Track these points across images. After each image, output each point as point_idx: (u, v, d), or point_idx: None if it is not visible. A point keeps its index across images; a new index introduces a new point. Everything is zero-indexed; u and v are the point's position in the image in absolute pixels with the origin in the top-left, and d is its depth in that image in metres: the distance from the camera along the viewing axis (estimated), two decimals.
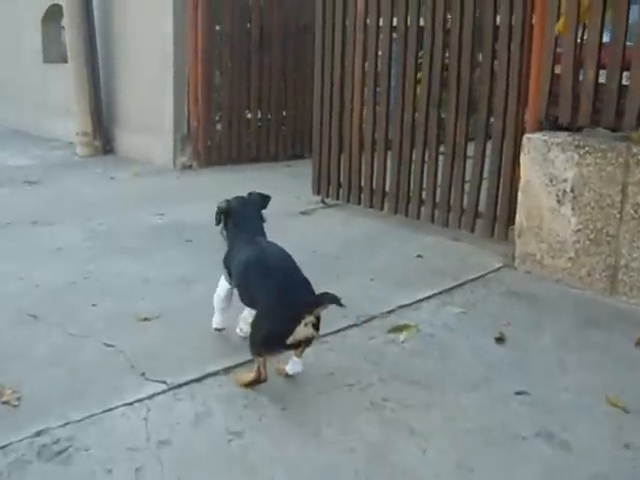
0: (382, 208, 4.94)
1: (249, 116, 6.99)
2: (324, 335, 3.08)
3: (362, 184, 5.05)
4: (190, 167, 6.74)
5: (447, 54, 4.46)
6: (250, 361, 2.62)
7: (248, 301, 2.67)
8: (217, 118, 6.78)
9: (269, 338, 2.44)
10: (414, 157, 4.70)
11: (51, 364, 2.78)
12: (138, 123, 7.08)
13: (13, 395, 2.49)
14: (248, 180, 6.12)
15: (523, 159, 3.89)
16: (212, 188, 5.67)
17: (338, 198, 5.25)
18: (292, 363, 2.63)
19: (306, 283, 2.52)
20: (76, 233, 4.55)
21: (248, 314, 2.75)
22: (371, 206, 5.01)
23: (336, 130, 5.15)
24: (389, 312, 3.41)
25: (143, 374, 2.70)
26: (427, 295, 3.63)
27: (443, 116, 4.51)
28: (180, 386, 2.62)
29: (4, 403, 2.46)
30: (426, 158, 4.64)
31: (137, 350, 2.89)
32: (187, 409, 2.49)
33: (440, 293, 3.68)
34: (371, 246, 4.41)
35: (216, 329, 3.02)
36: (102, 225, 4.73)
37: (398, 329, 3.22)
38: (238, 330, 2.89)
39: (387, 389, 2.69)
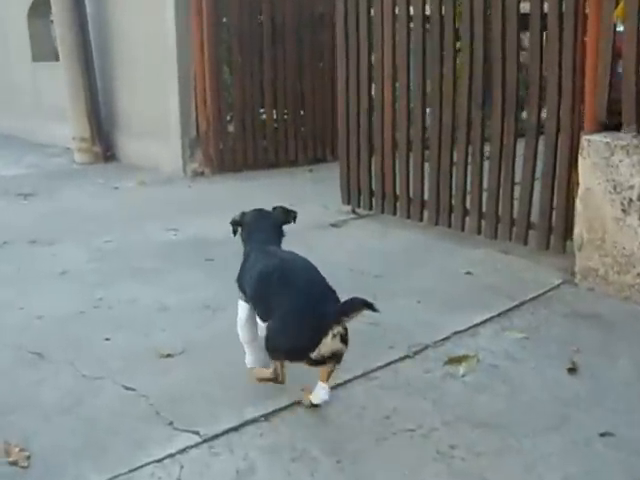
0: (421, 219, 4.74)
1: (264, 116, 6.80)
2: (373, 370, 2.90)
3: (397, 192, 4.84)
4: (202, 174, 6.56)
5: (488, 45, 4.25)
6: (295, 404, 2.42)
7: (266, 316, 2.52)
8: (228, 119, 6.59)
9: (290, 352, 2.34)
10: (455, 160, 4.49)
11: (62, 413, 2.58)
12: (141, 126, 6.91)
13: (21, 454, 2.28)
14: (267, 188, 5.95)
15: (582, 164, 3.67)
16: (228, 198, 5.49)
17: (371, 208, 5.05)
18: (318, 389, 2.47)
19: (331, 291, 2.42)
20: (80, 253, 4.37)
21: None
22: (408, 216, 4.81)
23: (365, 131, 4.96)
24: (443, 340, 3.21)
25: (171, 423, 2.50)
26: (483, 319, 3.42)
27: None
28: (216, 437, 2.42)
29: (12, 464, 2.24)
30: (469, 161, 4.43)
31: (161, 393, 2.69)
32: (226, 465, 2.29)
33: (497, 316, 3.47)
34: (413, 262, 4.21)
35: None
36: (109, 243, 4.55)
37: (456, 360, 3.01)
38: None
39: (453, 434, 2.48)
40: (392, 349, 3.10)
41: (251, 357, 2.74)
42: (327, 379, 2.45)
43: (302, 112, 7.00)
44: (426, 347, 3.13)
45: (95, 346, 3.11)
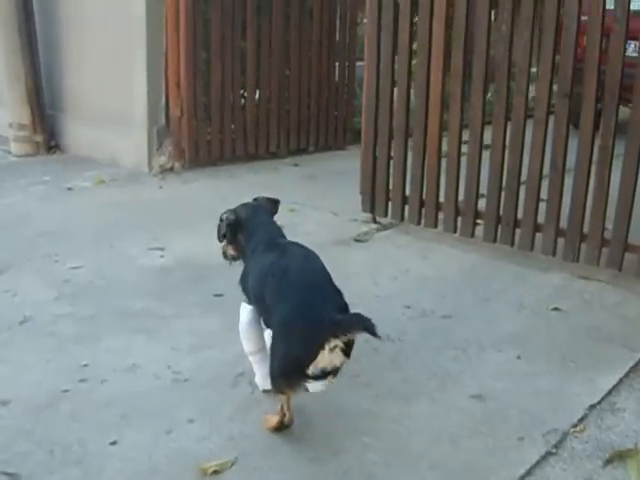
0: (472, 234, 3.81)
1: (243, 102, 5.73)
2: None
3: (441, 200, 3.90)
4: (171, 170, 5.44)
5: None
6: None
7: (267, 322, 2.22)
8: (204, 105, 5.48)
9: (285, 364, 2.01)
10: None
11: None
12: (93, 111, 5.69)
13: None
14: (253, 188, 4.88)
15: None
16: (213, 202, 4.43)
17: (402, 218, 4.08)
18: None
19: (336, 294, 2.10)
20: (43, 287, 3.23)
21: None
22: (454, 230, 3.88)
23: (401, 129, 3.95)
24: (581, 421, 2.33)
25: None
26: (612, 382, 2.57)
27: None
28: None
29: None
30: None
31: None
32: None
33: (626, 376, 2.62)
34: (480, 293, 3.29)
35: (265, 391, 2.34)
36: (79, 270, 3.42)
37: (618, 457, 2.15)
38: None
39: None
40: (523, 441, 2.20)
41: (259, 373, 2.35)
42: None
43: (287, 98, 5.96)
44: (565, 436, 2.25)
45: (97, 457, 2.04)
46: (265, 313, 2.20)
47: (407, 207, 4.02)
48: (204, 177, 5.32)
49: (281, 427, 2.18)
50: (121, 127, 5.47)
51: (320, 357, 1.91)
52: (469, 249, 3.81)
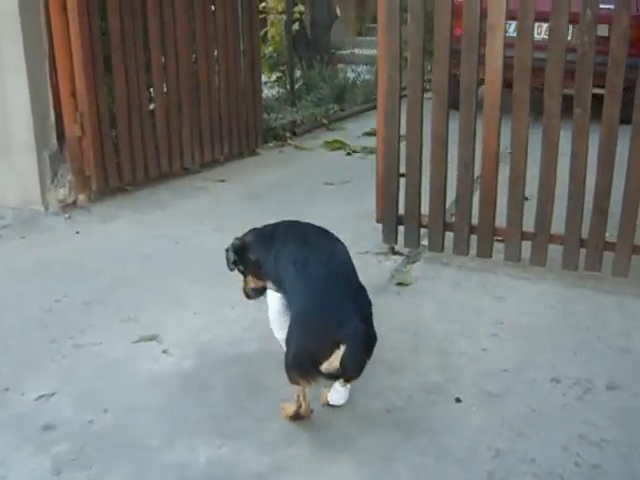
0: (544, 262, 3.05)
1: (152, 107, 4.49)
2: None
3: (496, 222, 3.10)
4: (74, 204, 4.08)
5: None
6: None
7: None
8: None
9: (299, 357, 1.93)
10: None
11: None
12: None
13: None
14: (196, 217, 3.94)
15: None
16: (164, 247, 3.46)
17: (442, 248, 3.22)
18: (334, 389, 2.13)
19: (359, 290, 2.02)
20: (18, 448, 1.96)
21: None
22: (518, 259, 3.10)
23: (441, 135, 3.07)
24: None
25: None
26: None
27: None
28: None
29: None
30: None
31: None
32: None
33: None
34: (605, 339, 2.57)
35: None
36: (53, 403, 2.17)
37: None
38: None
39: None
40: None
41: None
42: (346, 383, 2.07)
43: (199, 100, 4.80)
44: None
45: None
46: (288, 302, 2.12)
47: (448, 235, 3.17)
48: (124, 211, 4.05)
49: (297, 417, 2.08)
50: None
51: (334, 356, 1.84)
52: (532, 278, 3.08)
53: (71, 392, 2.23)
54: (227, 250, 2.29)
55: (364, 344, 1.89)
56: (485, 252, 3.11)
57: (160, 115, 4.49)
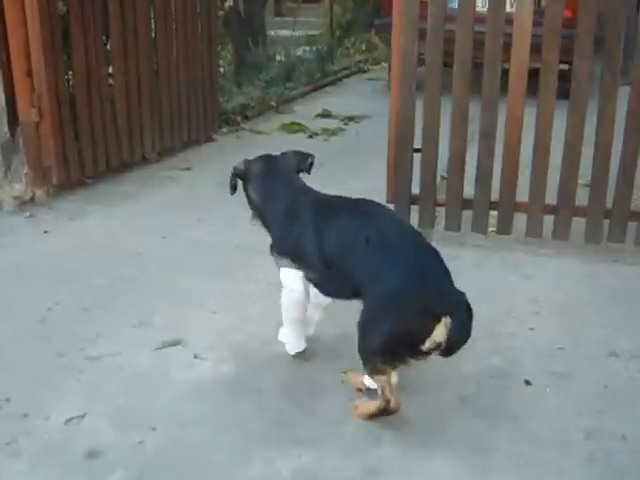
0: (567, 237, 2.90)
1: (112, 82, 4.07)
2: None
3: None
4: (32, 200, 3.64)
5: None
6: None
7: (338, 291, 2.00)
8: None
9: (391, 341, 1.77)
10: None
11: None
12: None
13: None
14: (171, 208, 3.82)
15: None
16: (147, 241, 3.14)
17: (459, 228, 3.00)
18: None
19: (441, 262, 1.86)
20: None
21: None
22: (540, 234, 2.93)
23: (463, 107, 2.83)
24: None
25: None
26: None
27: None
28: None
29: None
30: None
31: None
32: None
33: None
34: None
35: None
36: (84, 425, 1.84)
37: None
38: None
39: None
40: None
41: (298, 342, 2.16)
42: None
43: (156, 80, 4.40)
44: None
45: None
46: (336, 281, 1.97)
47: (467, 213, 2.98)
48: (92, 205, 3.63)
49: (386, 413, 1.86)
50: None
51: (437, 332, 1.72)
52: (550, 254, 2.95)
53: (104, 411, 1.89)
54: (233, 170, 2.16)
55: (469, 311, 1.77)
56: (506, 229, 2.96)
57: (120, 96, 4.08)
